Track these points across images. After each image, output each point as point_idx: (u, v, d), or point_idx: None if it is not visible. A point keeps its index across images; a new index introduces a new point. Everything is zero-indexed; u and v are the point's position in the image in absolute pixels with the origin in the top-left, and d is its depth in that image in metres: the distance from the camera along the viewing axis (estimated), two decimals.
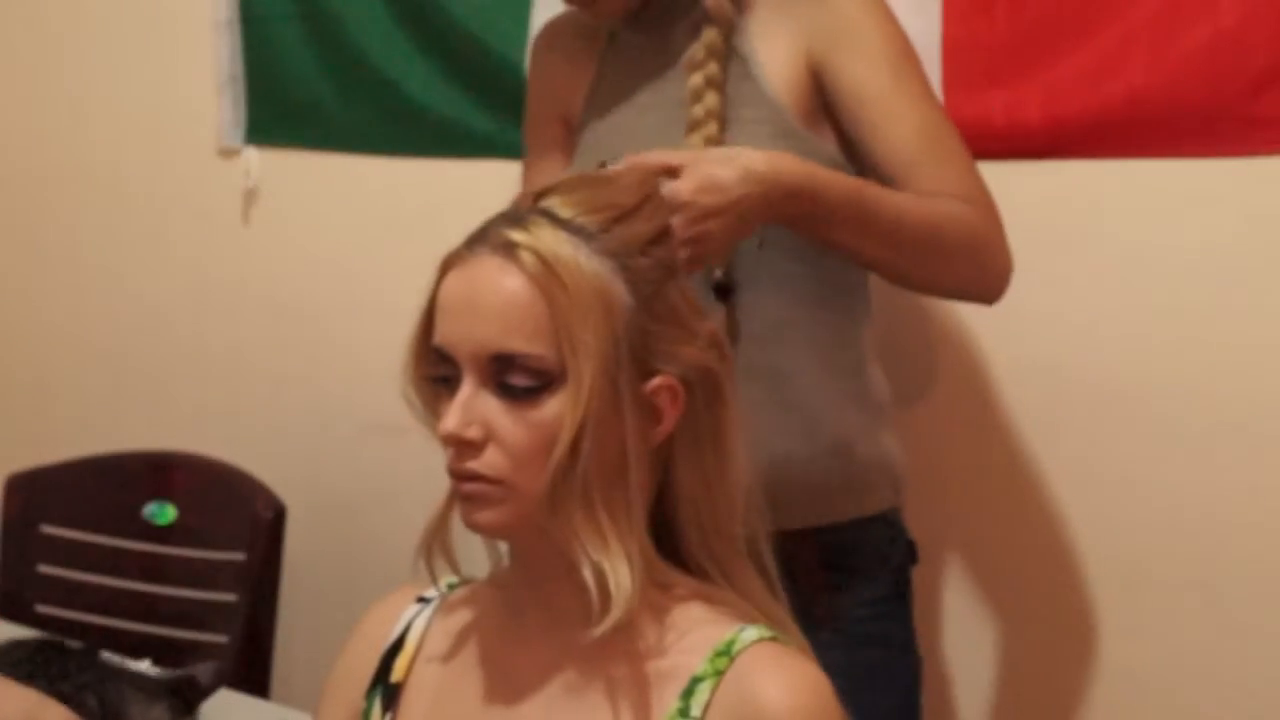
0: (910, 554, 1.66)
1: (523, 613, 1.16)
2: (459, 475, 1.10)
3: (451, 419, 1.08)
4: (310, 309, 2.43)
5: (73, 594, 2.35)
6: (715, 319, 1.41)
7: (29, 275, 2.77)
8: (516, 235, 1.09)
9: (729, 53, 1.52)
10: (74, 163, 2.68)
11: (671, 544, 1.15)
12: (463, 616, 1.21)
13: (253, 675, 2.20)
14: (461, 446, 1.09)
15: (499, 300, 1.08)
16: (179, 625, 2.30)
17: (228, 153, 2.47)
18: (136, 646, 2.10)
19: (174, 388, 2.58)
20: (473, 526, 1.12)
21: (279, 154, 2.43)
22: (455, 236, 1.14)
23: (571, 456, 1.07)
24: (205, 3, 2.42)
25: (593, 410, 1.06)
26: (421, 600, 1.24)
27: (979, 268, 1.50)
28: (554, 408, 1.07)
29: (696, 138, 1.49)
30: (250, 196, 2.46)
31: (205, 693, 1.70)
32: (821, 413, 1.54)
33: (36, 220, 2.75)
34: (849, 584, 1.57)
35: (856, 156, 1.52)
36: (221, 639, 2.26)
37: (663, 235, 1.15)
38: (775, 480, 1.48)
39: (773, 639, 1.11)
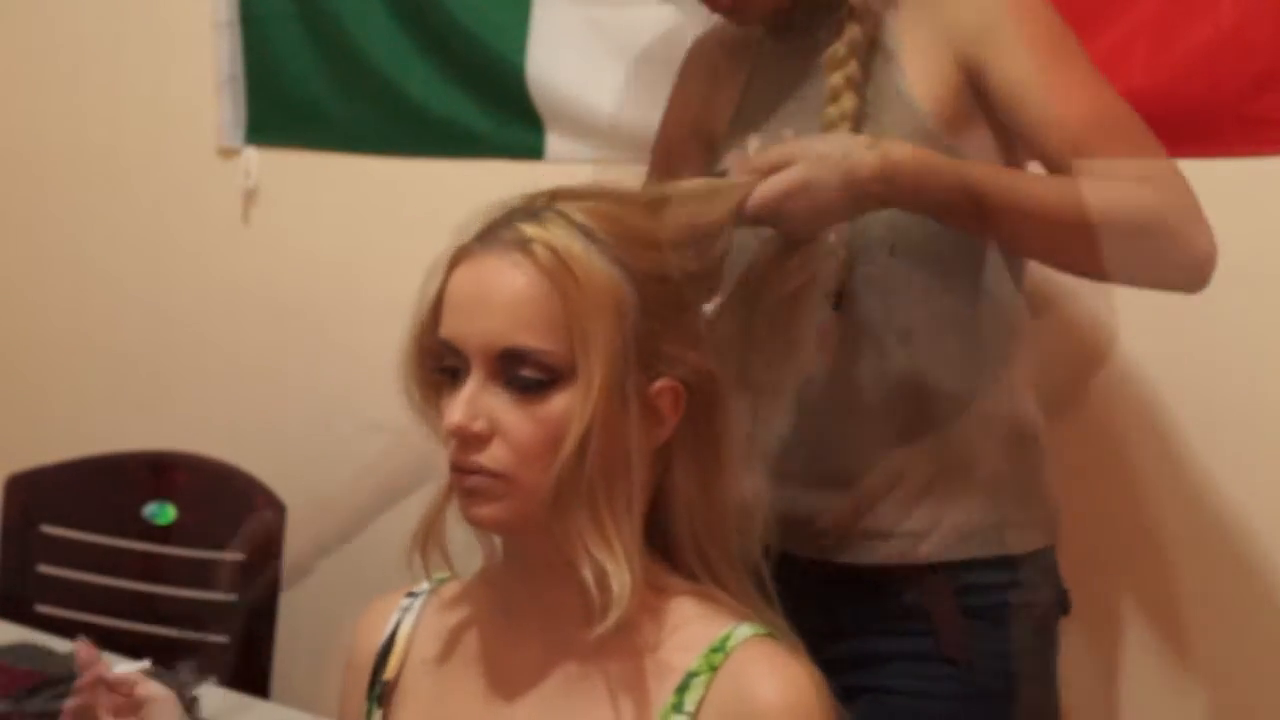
0: (1060, 603, 1.53)
1: (518, 610, 1.16)
2: (463, 468, 1.10)
3: (458, 412, 1.08)
4: (310, 309, 2.43)
5: (73, 594, 2.35)
6: (819, 328, 1.39)
7: (29, 275, 2.77)
8: (530, 230, 1.09)
9: (873, 51, 1.44)
10: (74, 162, 2.68)
11: (664, 546, 1.16)
12: (455, 614, 1.21)
13: (253, 675, 2.20)
14: (467, 440, 1.08)
15: (511, 295, 1.08)
16: (179, 625, 2.29)
17: (228, 153, 2.47)
18: (136, 646, 2.10)
19: (174, 388, 2.58)
20: (474, 521, 1.12)
21: (279, 154, 2.44)
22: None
23: (579, 453, 1.07)
24: (205, 3, 2.42)
25: (601, 408, 1.07)
26: (411, 596, 1.24)
27: (1159, 252, 1.36)
28: (561, 404, 1.07)
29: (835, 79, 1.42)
30: (250, 196, 2.47)
31: (185, 686, 1.70)
32: (958, 442, 1.45)
33: (36, 220, 2.75)
34: (984, 628, 1.45)
35: (1028, 155, 1.43)
36: (222, 639, 2.25)
37: (673, 278, 1.14)
38: (904, 513, 1.44)
39: (765, 636, 1.12)
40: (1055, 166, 1.39)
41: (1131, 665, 1.81)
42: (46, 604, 2.34)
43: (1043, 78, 1.39)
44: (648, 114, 2.00)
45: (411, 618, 1.23)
